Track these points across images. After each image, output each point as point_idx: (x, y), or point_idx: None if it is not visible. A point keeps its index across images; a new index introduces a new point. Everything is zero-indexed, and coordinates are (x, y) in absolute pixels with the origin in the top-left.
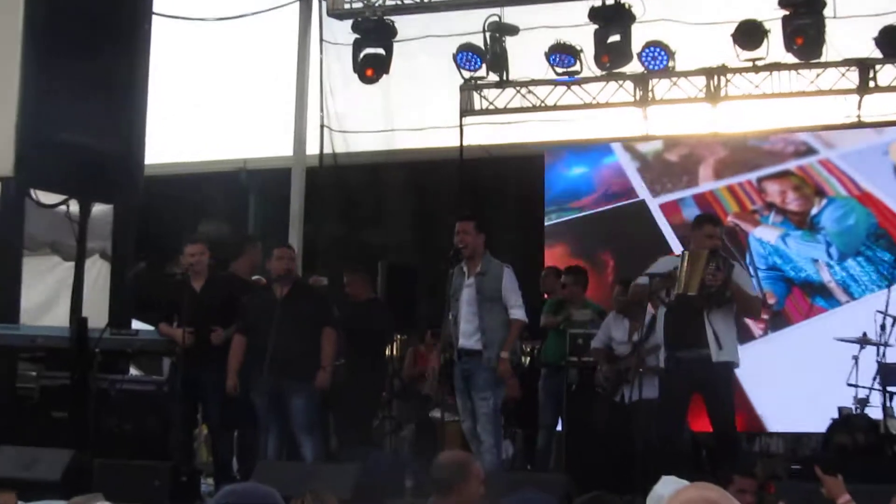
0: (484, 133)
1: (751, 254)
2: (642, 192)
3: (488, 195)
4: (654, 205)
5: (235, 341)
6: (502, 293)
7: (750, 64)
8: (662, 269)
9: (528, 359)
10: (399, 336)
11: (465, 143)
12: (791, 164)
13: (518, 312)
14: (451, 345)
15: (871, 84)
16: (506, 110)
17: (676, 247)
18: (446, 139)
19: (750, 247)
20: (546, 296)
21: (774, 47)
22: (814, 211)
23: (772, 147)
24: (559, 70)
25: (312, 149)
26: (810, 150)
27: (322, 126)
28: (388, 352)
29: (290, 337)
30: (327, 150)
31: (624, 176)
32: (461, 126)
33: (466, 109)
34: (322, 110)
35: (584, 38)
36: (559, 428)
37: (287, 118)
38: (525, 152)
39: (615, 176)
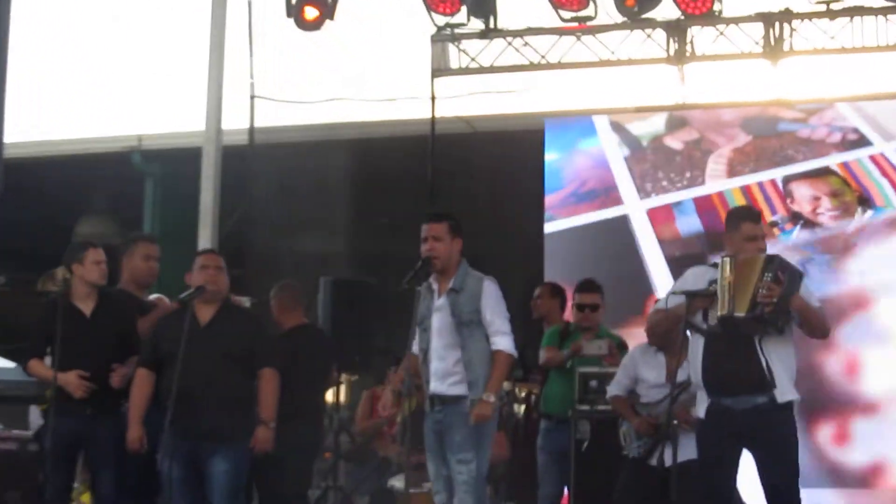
0: (464, 101)
1: None
2: (627, 192)
3: (469, 186)
4: (639, 211)
5: (139, 379)
6: (482, 315)
7: (823, 7)
8: (693, 284)
9: (524, 407)
10: (347, 376)
11: (437, 115)
12: (833, 160)
13: (503, 342)
14: (418, 388)
15: None
16: (493, 69)
17: (663, 278)
18: (413, 109)
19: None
20: (545, 324)
21: None
22: (852, 227)
23: (811, 134)
24: (566, 15)
25: (230, 122)
26: (862, 141)
27: (253, 96)
28: (331, 398)
29: (216, 377)
30: (253, 123)
31: (605, 167)
32: (433, 91)
33: (440, 68)
34: (251, 75)
35: None
36: (565, 500)
37: (197, 83)
38: (519, 126)
39: (594, 167)
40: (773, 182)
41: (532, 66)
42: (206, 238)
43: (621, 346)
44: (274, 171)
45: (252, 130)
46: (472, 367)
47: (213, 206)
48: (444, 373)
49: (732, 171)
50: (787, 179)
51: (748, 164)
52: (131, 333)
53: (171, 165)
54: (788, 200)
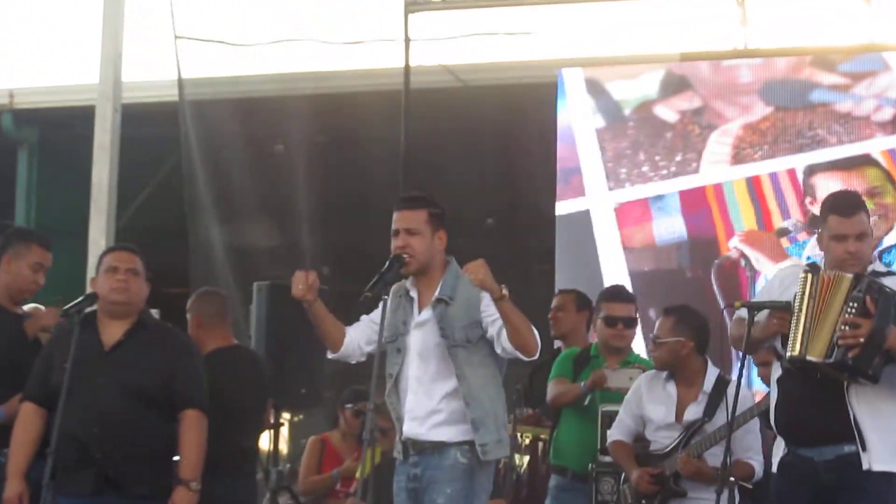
0: (448, 46)
1: None
2: (593, 178)
3: (455, 161)
4: (604, 207)
5: (23, 418)
6: (485, 327)
7: None
8: (779, 292)
9: (528, 459)
10: (289, 416)
11: (413, 63)
12: (877, 145)
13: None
14: (384, 432)
15: None
16: (484, 3)
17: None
18: (382, 56)
19: (755, 294)
20: (564, 345)
21: None
22: (890, 239)
23: (853, 107)
24: None
25: (136, 73)
26: None
27: (177, 36)
28: (267, 446)
29: (120, 418)
30: (169, 76)
31: (569, 141)
32: (406, 31)
33: (416, 1)
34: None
35: None
36: None
37: (89, 25)
38: (522, 78)
39: (557, 140)
40: (791, 173)
41: (536, 0)
42: (99, 228)
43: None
44: (200, 137)
45: (181, 84)
46: (476, 401)
47: (110, 184)
48: (424, 411)
49: (738, 156)
50: (812, 170)
51: (761, 145)
52: (14, 360)
53: (54, 130)
54: (808, 200)
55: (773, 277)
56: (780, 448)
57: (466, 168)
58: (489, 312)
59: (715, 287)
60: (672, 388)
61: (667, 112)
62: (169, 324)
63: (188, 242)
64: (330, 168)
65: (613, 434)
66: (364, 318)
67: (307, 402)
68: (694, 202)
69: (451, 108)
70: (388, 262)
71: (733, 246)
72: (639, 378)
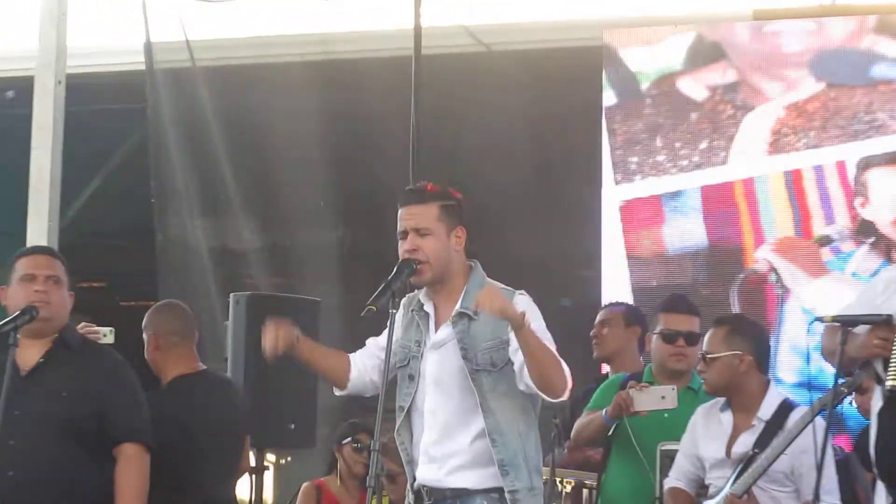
0: (467, 3)
1: (779, 333)
2: (596, 169)
3: (477, 141)
4: (608, 205)
5: None
6: (511, 353)
7: None
8: (881, 297)
9: None
10: (274, 457)
11: (424, 24)
12: None
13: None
14: (391, 478)
15: None
16: None
17: None
18: (390, 16)
19: (783, 320)
20: (612, 369)
21: None
22: None
23: None
24: None
25: (85, 38)
26: None
27: None
28: (247, 494)
29: (42, 457)
30: (130, 40)
31: None
32: None
33: None
34: None
35: None
36: None
37: None
38: (556, 42)
39: None
40: (840, 167)
41: None
42: (39, 228)
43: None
44: (172, 113)
45: (150, 49)
46: (504, 438)
47: (53, 173)
48: (442, 451)
49: (778, 144)
50: (866, 163)
51: (807, 131)
52: None
53: None
54: (858, 201)
55: (877, 278)
56: (881, 496)
57: (490, 150)
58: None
59: (734, 308)
60: (728, 417)
61: (694, 87)
62: (98, 342)
63: (153, 244)
64: (331, 150)
65: (670, 480)
66: (370, 342)
67: (297, 441)
68: (718, 201)
69: (471, 77)
70: (396, 268)
71: (762, 257)
72: (698, 411)
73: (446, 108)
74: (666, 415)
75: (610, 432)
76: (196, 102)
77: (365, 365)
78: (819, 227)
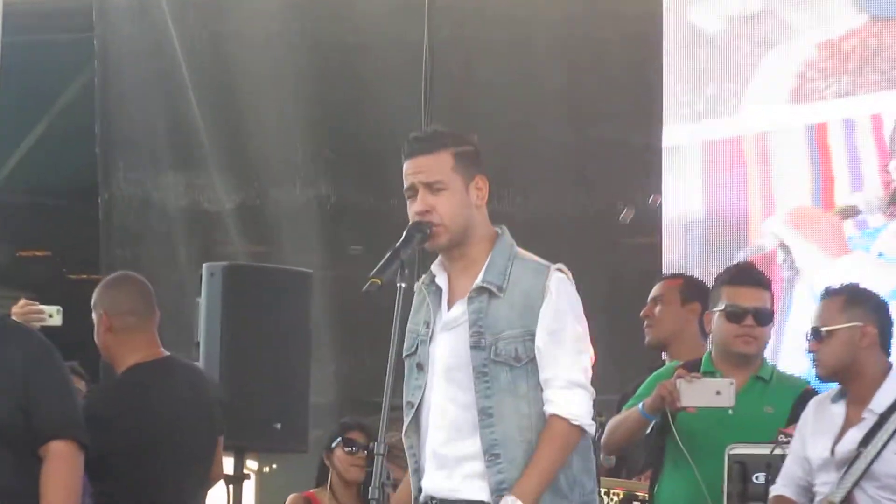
0: None
1: (783, 324)
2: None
3: (502, 78)
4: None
5: None
6: (540, 341)
7: None
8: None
9: None
10: (255, 464)
11: None
12: None
13: (566, 399)
14: (393, 486)
15: None
16: None
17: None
18: None
19: (790, 308)
20: (669, 356)
21: None
22: None
23: None
24: None
25: None
26: None
27: None
28: (226, 497)
29: None
30: None
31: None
32: None
33: None
34: None
35: None
36: None
37: None
38: None
39: None
40: (876, 121)
41: None
42: None
43: (808, 399)
44: (125, 45)
45: None
46: (505, 447)
47: None
48: (453, 455)
49: (802, 91)
50: None
51: (838, 76)
52: None
53: None
54: (895, 163)
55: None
56: None
57: (519, 89)
58: (548, 325)
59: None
60: (840, 409)
61: (706, 17)
62: (14, 319)
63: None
64: (325, 90)
65: (776, 487)
66: None
67: (284, 444)
68: (722, 159)
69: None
70: (405, 233)
71: (770, 230)
72: (808, 405)
73: (462, 36)
74: (730, 411)
75: (649, 430)
76: (156, 30)
77: None
78: (843, 196)
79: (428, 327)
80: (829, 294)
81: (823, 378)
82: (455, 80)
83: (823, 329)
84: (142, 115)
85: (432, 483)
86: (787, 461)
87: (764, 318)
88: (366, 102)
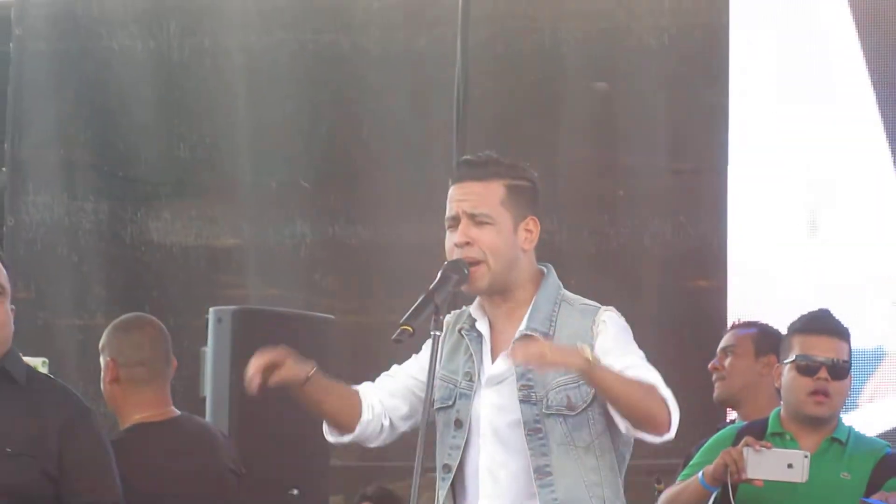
0: None
1: None
2: None
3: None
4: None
5: None
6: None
7: None
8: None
9: None
10: None
11: None
12: None
13: (655, 375)
14: None
15: None
16: None
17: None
18: None
19: None
20: (740, 415)
21: None
22: None
23: None
24: None
25: None
26: None
27: None
28: None
29: None
30: None
31: None
32: None
33: None
34: None
35: None
36: None
37: None
38: None
39: None
40: None
41: None
42: None
43: (889, 463)
44: (49, 46)
45: None
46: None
47: None
48: None
49: None
50: None
51: None
52: None
53: None
54: None
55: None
56: None
57: (578, 102)
58: (614, 353)
59: None
60: None
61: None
62: (46, 373)
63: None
64: (308, 109)
65: None
66: (397, 368)
67: None
68: None
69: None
70: (440, 274)
71: None
72: None
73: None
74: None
75: (710, 503)
76: (85, 39)
77: (383, 404)
78: None
79: (471, 379)
80: None
81: None
82: (485, 98)
83: None
84: (67, 127)
85: None
86: None
87: (839, 371)
88: (356, 121)
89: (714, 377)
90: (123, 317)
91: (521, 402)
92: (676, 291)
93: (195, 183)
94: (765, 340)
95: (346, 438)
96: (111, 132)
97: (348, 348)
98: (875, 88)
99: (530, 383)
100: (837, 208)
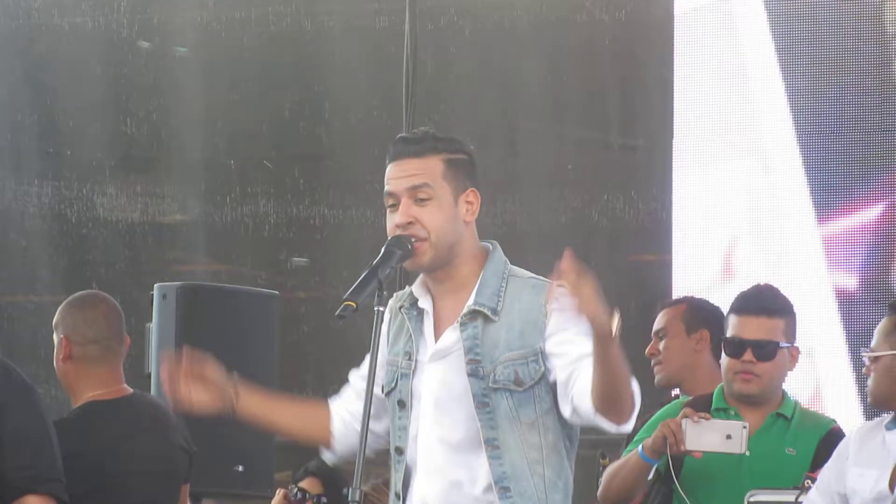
0: None
1: None
2: None
3: (488, 70)
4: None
5: None
6: (550, 365)
7: None
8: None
9: None
10: None
11: None
12: None
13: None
14: None
15: None
16: None
17: None
18: None
19: None
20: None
21: None
22: None
23: None
24: None
25: None
26: None
27: None
28: None
29: None
30: None
31: None
32: None
33: None
34: None
35: None
36: None
37: None
38: None
39: None
40: None
41: None
42: None
43: (834, 439)
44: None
45: None
46: (520, 488)
47: None
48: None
49: None
50: None
51: None
52: None
53: None
54: None
55: None
56: None
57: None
58: (563, 340)
59: None
60: (894, 437)
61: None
62: None
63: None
64: (269, 86)
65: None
66: (353, 376)
67: (246, 489)
68: None
69: None
70: (384, 250)
71: None
72: (850, 433)
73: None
74: (747, 452)
75: (650, 476)
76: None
77: (349, 411)
78: None
79: (410, 358)
80: (889, 311)
81: (876, 405)
82: (432, 76)
83: (872, 354)
84: (5, 118)
85: None
86: (812, 496)
87: (765, 351)
88: (317, 101)
89: (652, 362)
90: (77, 294)
91: (469, 375)
92: (621, 263)
93: (141, 158)
94: (694, 316)
95: (337, 455)
96: (58, 112)
97: (313, 328)
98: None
99: (478, 357)
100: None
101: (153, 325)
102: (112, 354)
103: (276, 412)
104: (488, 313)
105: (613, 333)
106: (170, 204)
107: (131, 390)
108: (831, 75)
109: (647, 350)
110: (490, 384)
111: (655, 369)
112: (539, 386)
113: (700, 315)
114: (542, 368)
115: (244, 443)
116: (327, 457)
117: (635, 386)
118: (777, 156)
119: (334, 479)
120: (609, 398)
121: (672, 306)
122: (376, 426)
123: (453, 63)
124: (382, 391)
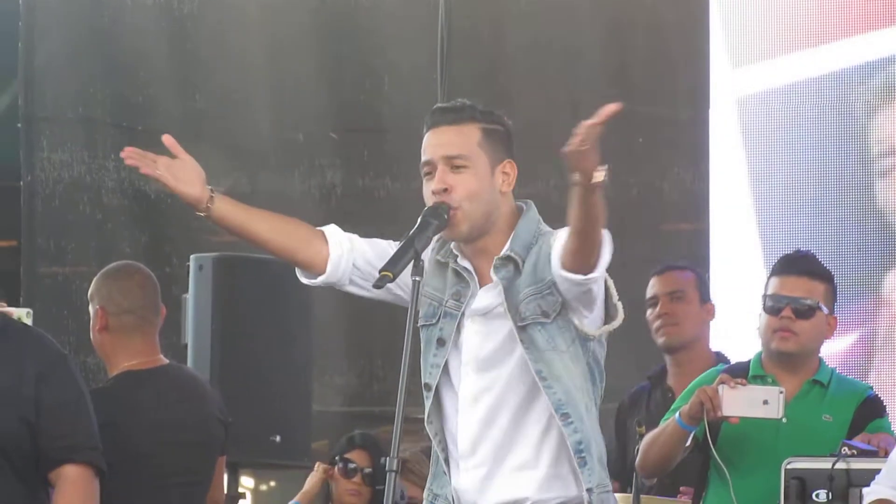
0: None
1: None
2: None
3: (530, 42)
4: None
5: None
6: (567, 303)
7: None
8: None
9: None
10: (252, 482)
11: None
12: None
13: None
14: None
15: None
16: None
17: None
18: None
19: None
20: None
21: None
22: None
23: None
24: None
25: None
26: None
27: None
28: None
29: None
30: None
31: None
32: None
33: None
34: None
35: None
36: None
37: None
38: None
39: None
40: None
41: None
42: None
43: (871, 406)
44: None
45: None
46: (577, 413)
47: None
48: (490, 451)
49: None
50: None
51: None
52: None
53: None
54: None
55: None
56: None
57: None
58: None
59: None
60: None
61: None
62: (23, 322)
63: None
64: (331, 61)
65: (876, 489)
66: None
67: (283, 459)
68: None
69: None
70: (419, 220)
71: None
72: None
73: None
74: (784, 419)
75: (688, 442)
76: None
77: (354, 247)
78: None
79: (459, 299)
80: None
81: None
82: (474, 45)
83: None
84: (75, 86)
85: (464, 483)
86: (893, 459)
87: (806, 311)
88: (378, 75)
89: (660, 322)
90: (113, 265)
91: (518, 325)
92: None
93: (213, 134)
94: (704, 286)
95: (319, 280)
96: (128, 87)
97: (349, 298)
98: None
99: (508, 299)
100: None
101: (189, 296)
102: (147, 324)
103: (254, 220)
104: (518, 259)
105: (596, 181)
106: (238, 178)
107: (167, 361)
108: None
109: (659, 308)
110: (520, 322)
111: (665, 330)
112: (562, 316)
113: (707, 287)
114: (560, 299)
115: (281, 413)
116: (305, 280)
117: (607, 236)
118: None
119: (380, 451)
120: (585, 242)
121: (680, 270)
122: (357, 278)
123: (508, 35)
124: (419, 325)
